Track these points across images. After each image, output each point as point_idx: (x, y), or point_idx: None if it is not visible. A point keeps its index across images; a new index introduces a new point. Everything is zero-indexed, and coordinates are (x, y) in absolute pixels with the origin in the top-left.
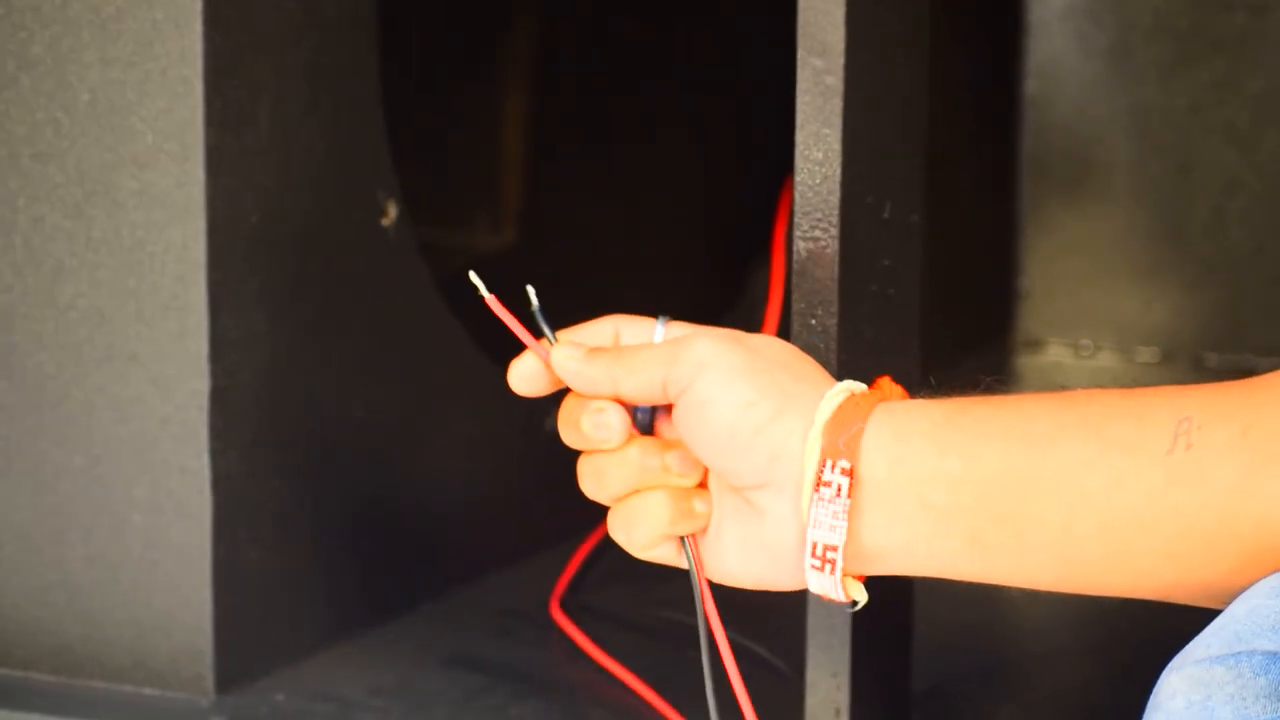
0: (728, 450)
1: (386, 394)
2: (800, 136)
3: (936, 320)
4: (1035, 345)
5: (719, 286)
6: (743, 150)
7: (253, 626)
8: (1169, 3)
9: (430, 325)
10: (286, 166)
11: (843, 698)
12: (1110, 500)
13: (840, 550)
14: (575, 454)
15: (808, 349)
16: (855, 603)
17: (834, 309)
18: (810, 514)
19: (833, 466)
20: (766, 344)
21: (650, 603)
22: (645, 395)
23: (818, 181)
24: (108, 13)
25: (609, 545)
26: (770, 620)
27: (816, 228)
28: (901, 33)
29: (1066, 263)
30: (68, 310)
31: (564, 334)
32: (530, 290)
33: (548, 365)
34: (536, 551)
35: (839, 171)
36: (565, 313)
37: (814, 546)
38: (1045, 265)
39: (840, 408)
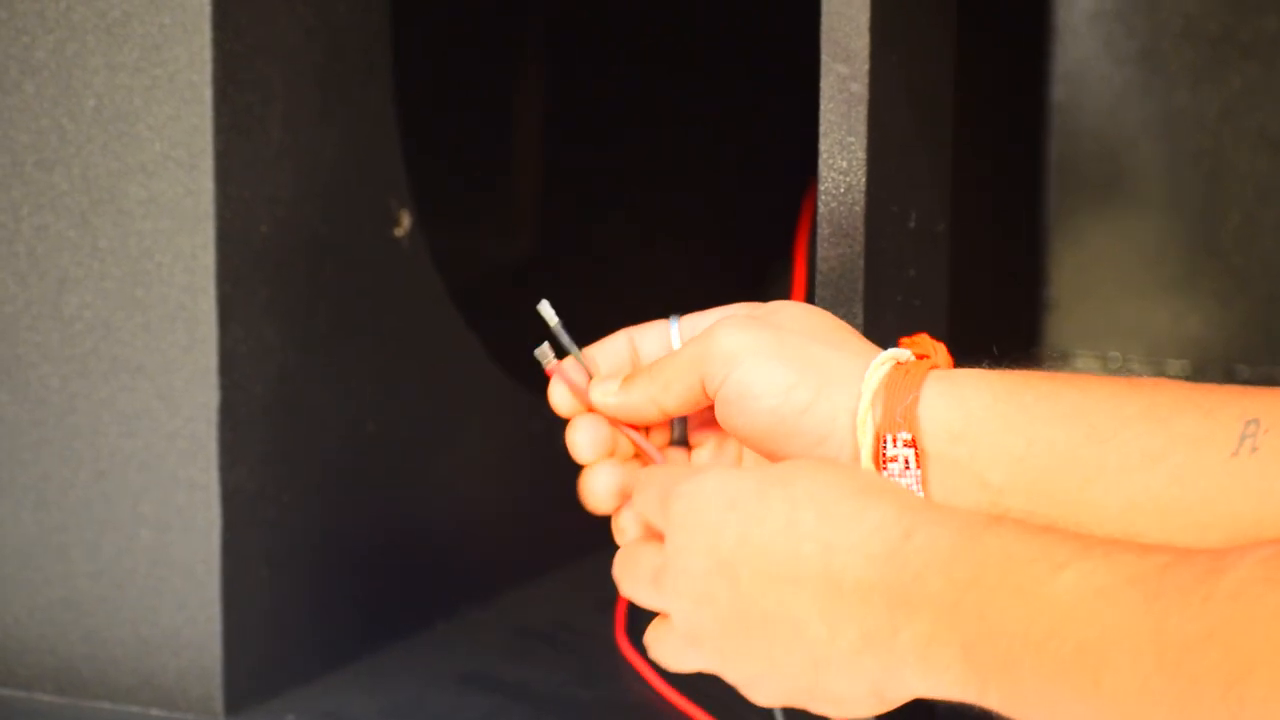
0: (773, 436)
1: (399, 407)
2: (824, 144)
3: (962, 332)
4: (1063, 357)
5: (738, 295)
6: (763, 156)
7: (263, 645)
8: (1200, 6)
9: (444, 337)
10: (298, 175)
11: None
12: (1170, 495)
13: None
14: None
15: None
16: None
17: (858, 320)
18: None
19: (894, 440)
20: (791, 314)
21: None
22: (689, 403)
23: (842, 190)
24: (114, 17)
25: None
26: None
27: (840, 237)
28: (927, 38)
29: (1095, 273)
30: (73, 321)
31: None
32: (546, 308)
33: (583, 398)
34: (551, 569)
35: (864, 180)
36: (581, 320)
37: None
38: (1073, 275)
39: (889, 377)
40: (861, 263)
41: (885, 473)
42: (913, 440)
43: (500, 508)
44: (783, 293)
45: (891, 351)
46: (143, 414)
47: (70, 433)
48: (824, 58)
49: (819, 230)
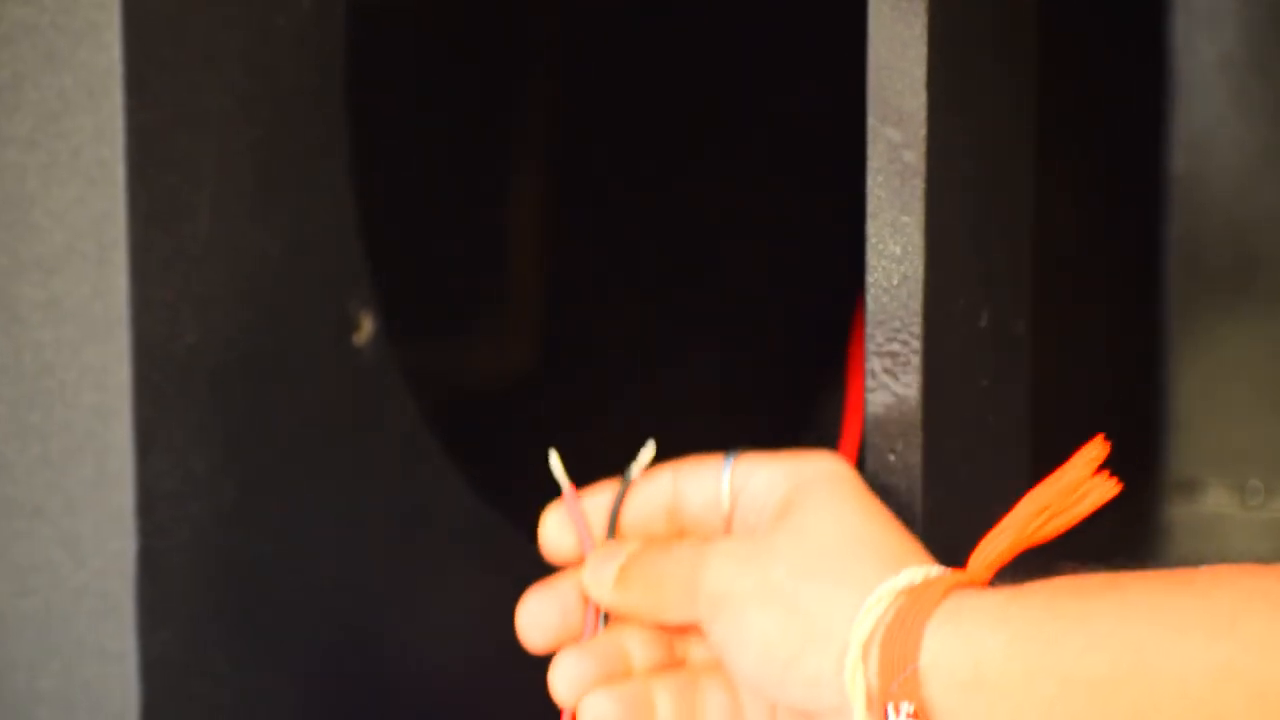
0: (764, 686)
1: (362, 553)
2: (872, 227)
3: (1059, 460)
4: (1190, 489)
5: (783, 415)
6: (812, 252)
7: None
8: None
9: (418, 467)
10: (233, 271)
11: None
12: (1248, 715)
13: None
14: None
15: (885, 491)
16: None
17: (917, 441)
18: None
19: (895, 709)
20: (803, 526)
21: None
22: (690, 624)
23: (895, 283)
24: (2, 79)
25: None
26: None
27: (894, 339)
28: (999, 95)
29: (1227, 383)
30: None
31: (606, 491)
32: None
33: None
34: None
35: (921, 269)
36: (591, 454)
37: None
38: (1201, 387)
39: (886, 629)
40: (920, 370)
41: None
42: (917, 711)
43: (488, 666)
44: (835, 412)
45: (892, 585)
46: (41, 566)
47: None
48: (871, 121)
49: (869, 332)
